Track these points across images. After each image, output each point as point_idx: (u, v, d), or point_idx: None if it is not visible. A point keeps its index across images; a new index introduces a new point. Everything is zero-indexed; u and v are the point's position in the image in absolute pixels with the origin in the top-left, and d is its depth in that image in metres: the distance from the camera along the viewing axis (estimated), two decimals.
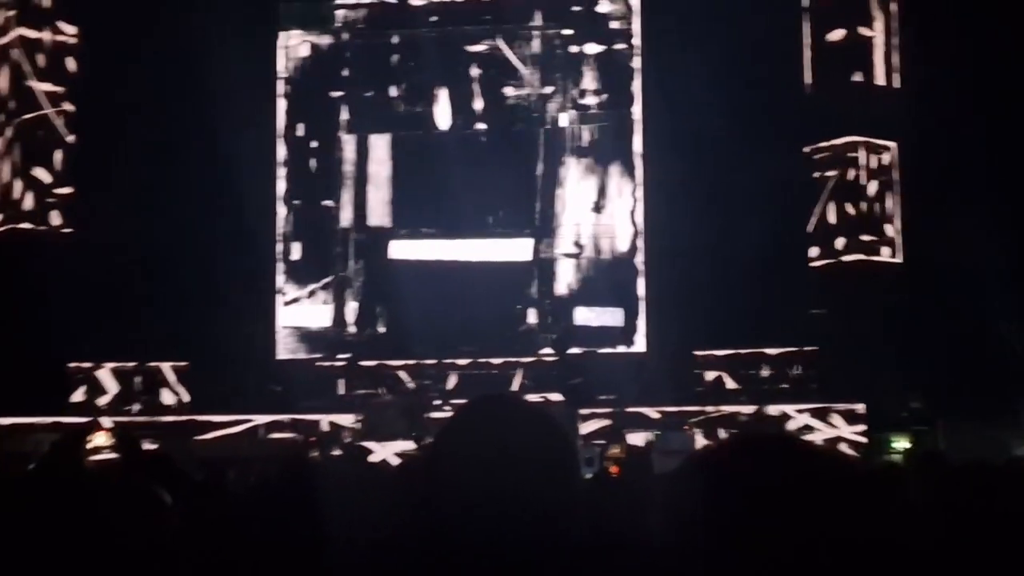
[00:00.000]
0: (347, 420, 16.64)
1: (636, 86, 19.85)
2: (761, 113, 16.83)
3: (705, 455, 1.61)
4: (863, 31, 17.97)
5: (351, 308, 20.05)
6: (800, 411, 16.04)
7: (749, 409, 16.41)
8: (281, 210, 20.20)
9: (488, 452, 1.85)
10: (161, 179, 17.79)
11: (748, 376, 17.59)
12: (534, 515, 1.80)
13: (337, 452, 15.67)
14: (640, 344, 19.37)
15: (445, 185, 19.24)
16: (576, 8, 20.11)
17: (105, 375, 17.91)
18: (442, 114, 20.21)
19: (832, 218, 18.11)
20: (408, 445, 15.45)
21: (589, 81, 20.08)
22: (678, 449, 14.42)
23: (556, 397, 16.71)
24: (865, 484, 1.50)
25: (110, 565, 2.60)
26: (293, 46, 20.55)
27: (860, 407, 15.99)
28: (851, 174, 17.97)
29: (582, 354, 18.49)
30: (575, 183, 20.02)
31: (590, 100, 20.09)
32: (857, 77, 17.94)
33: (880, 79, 17.94)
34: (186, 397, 17.95)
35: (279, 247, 20.09)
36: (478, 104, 20.20)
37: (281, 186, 20.25)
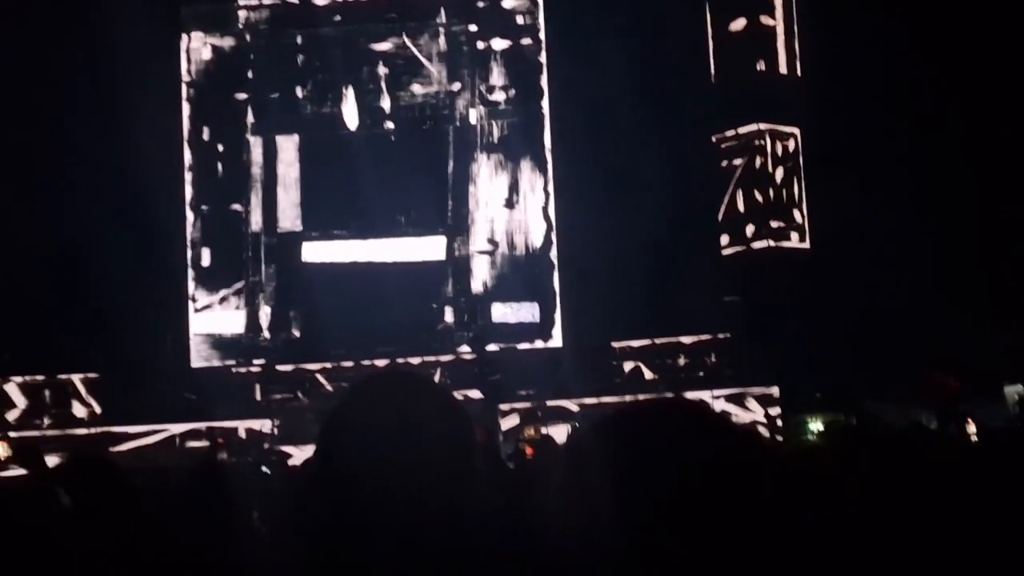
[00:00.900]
0: (264, 426, 16.44)
1: (544, 81, 19.91)
2: (668, 103, 17.01)
3: (614, 422, 1.58)
4: (765, 20, 18.25)
5: (264, 313, 19.82)
6: (716, 397, 16.22)
7: (668, 398, 16.55)
8: (189, 216, 19.89)
9: (383, 426, 1.83)
10: (66, 187, 17.42)
11: (665, 365, 17.78)
12: (430, 490, 1.78)
13: (250, 457, 15.52)
14: (557, 338, 19.44)
15: (356, 186, 19.11)
16: (481, 3, 20.11)
17: (12, 389, 17.47)
18: (350, 114, 20.06)
19: (741, 205, 18.36)
20: None
21: (497, 77, 20.09)
22: None
23: (476, 394, 16.70)
24: (774, 457, 1.49)
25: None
26: (196, 48, 20.24)
27: (774, 391, 16.24)
28: (758, 161, 18.23)
29: (500, 350, 18.50)
30: (487, 180, 20.02)
31: (499, 96, 20.10)
32: (760, 66, 18.21)
33: (783, 68, 18.23)
34: (98, 409, 17.59)
35: (189, 253, 19.79)
36: (386, 103, 20.09)
37: (188, 191, 19.94)
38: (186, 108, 20.04)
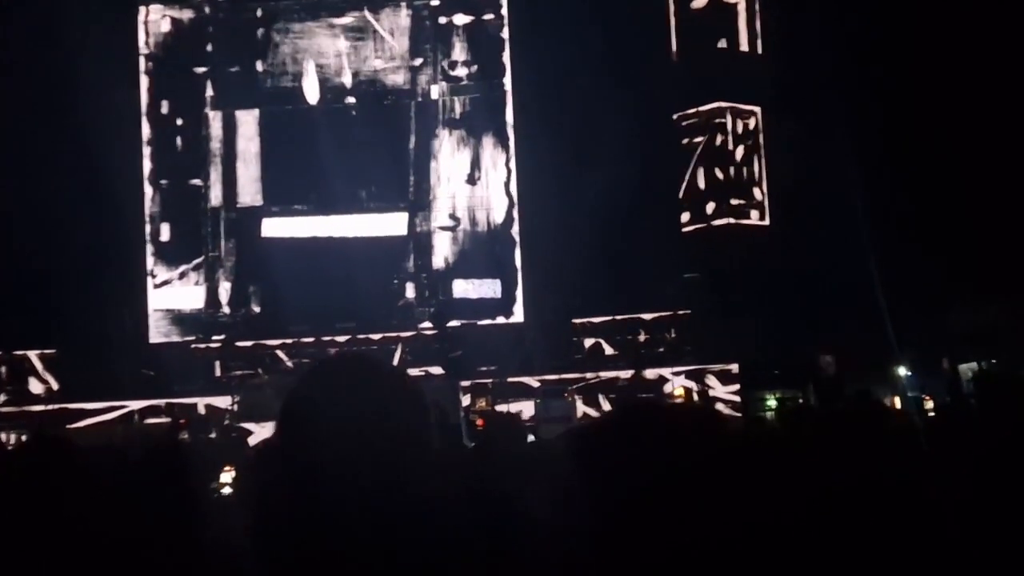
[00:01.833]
0: (224, 402, 16.36)
1: (506, 57, 19.86)
2: (629, 81, 17.00)
3: (586, 430, 1.61)
4: None
5: (224, 288, 19.71)
6: (676, 373, 16.34)
7: (627, 374, 16.66)
8: (148, 190, 19.71)
9: (340, 409, 1.83)
10: (22, 160, 17.17)
11: (625, 341, 17.87)
12: (387, 474, 1.79)
13: (212, 434, 15.46)
14: (519, 314, 19.48)
15: (316, 161, 19.01)
16: None
17: None
18: (310, 88, 19.92)
19: (701, 183, 18.43)
20: None
21: (459, 52, 20.01)
22: (559, 416, 14.60)
23: (437, 370, 16.70)
24: (738, 452, 1.51)
25: None
26: (154, 21, 20.00)
27: (734, 367, 16.36)
28: (719, 139, 18.30)
29: (461, 326, 18.49)
30: (448, 155, 19.97)
31: (461, 72, 20.02)
32: (722, 44, 18.25)
33: (744, 45, 18.28)
34: (55, 385, 17.44)
35: (147, 228, 19.61)
36: (347, 78, 19.97)
37: (147, 165, 19.74)
38: (144, 81, 19.83)
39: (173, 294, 19.61)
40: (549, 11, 18.23)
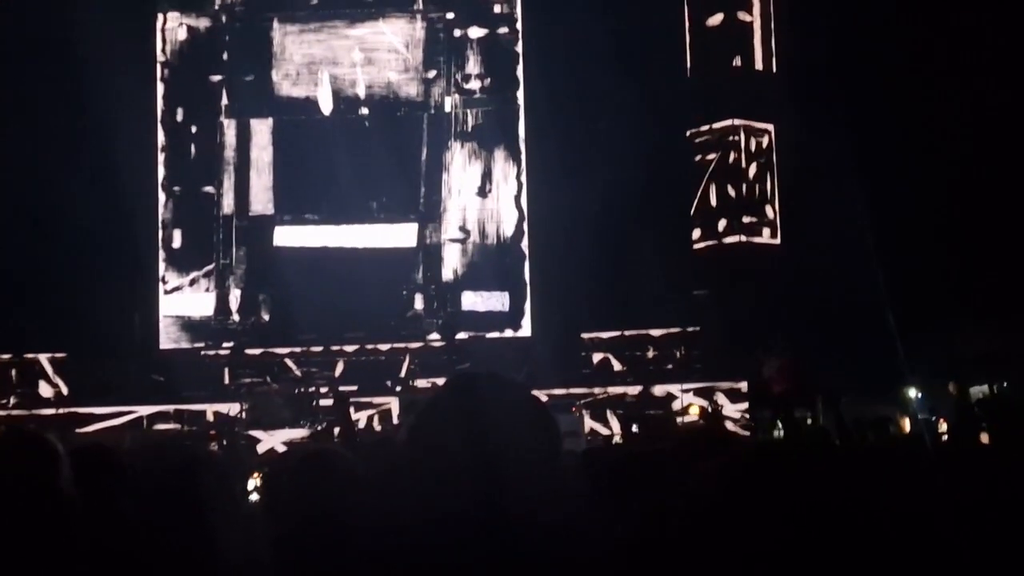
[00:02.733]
0: (232, 409, 16.38)
1: (520, 71, 19.91)
2: (643, 97, 17.03)
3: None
4: (742, 16, 18.30)
5: (234, 296, 19.75)
6: (685, 390, 16.33)
7: (635, 390, 16.65)
8: (161, 196, 19.77)
9: (468, 431, 1.84)
10: (38, 165, 17.24)
11: (634, 357, 17.84)
12: (516, 498, 1.79)
13: (224, 442, 15.46)
14: (527, 328, 19.49)
15: (328, 171, 19.08)
16: None
17: None
18: (324, 99, 19.99)
19: (713, 200, 18.43)
20: (296, 433, 15.31)
21: (473, 65, 20.07)
22: (566, 431, 14.58)
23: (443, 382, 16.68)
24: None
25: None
26: (171, 29, 20.09)
27: (743, 385, 16.35)
28: (731, 157, 18.30)
29: (469, 339, 18.50)
30: (460, 168, 20.01)
31: (474, 84, 20.07)
32: (736, 61, 18.28)
33: (759, 63, 18.30)
34: (65, 389, 17.46)
35: (160, 234, 19.67)
36: (361, 89, 20.03)
37: (161, 172, 19.81)
38: (160, 88, 19.91)
39: (183, 300, 19.65)
40: (564, 26, 18.29)
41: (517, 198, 19.90)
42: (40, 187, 17.22)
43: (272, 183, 19.93)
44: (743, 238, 18.10)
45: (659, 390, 16.46)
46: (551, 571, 1.78)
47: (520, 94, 19.89)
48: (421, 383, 16.71)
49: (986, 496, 3.17)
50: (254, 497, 4.10)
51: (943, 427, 11.52)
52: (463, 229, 19.93)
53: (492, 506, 1.78)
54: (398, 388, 17.24)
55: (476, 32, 20.03)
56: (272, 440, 15.07)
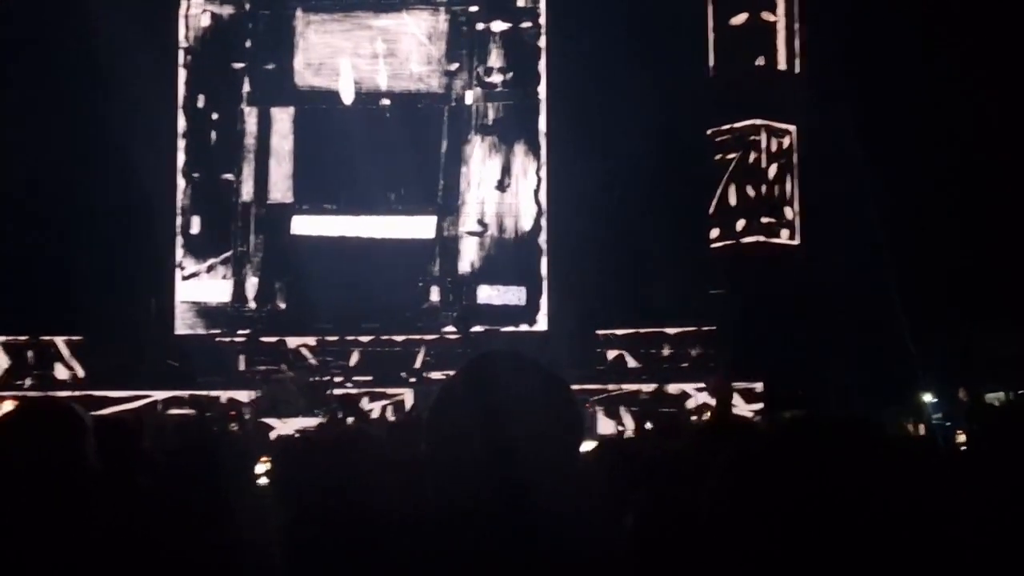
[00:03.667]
0: (246, 396, 16.43)
1: (542, 65, 19.89)
2: (665, 95, 16.99)
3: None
4: (766, 16, 18.23)
5: (251, 283, 19.79)
6: (699, 389, 16.29)
7: (650, 387, 16.63)
8: (180, 183, 19.82)
9: (483, 414, 1.81)
10: (58, 149, 17.29)
11: (649, 355, 17.82)
12: (532, 484, 1.77)
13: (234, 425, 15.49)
14: (542, 323, 19.49)
15: (348, 161, 19.08)
16: None
17: None
18: (346, 89, 20.00)
19: (733, 200, 18.37)
20: (309, 421, 15.33)
21: (495, 59, 20.05)
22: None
23: None
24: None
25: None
26: (195, 15, 20.12)
27: (758, 386, 16.31)
28: (752, 157, 18.23)
29: (485, 332, 18.50)
30: (479, 161, 20.01)
31: (495, 78, 20.06)
32: (759, 61, 18.21)
33: (782, 63, 18.23)
34: (80, 372, 17.54)
35: (178, 220, 19.72)
36: (382, 80, 20.04)
37: (181, 158, 19.85)
38: (182, 74, 19.94)
39: (200, 287, 19.70)
40: (587, 22, 18.27)
41: (536, 193, 19.89)
42: (60, 171, 17.29)
43: (291, 172, 19.96)
44: (762, 238, 18.03)
45: (674, 388, 16.43)
46: (565, 560, 1.76)
47: (542, 89, 19.87)
48: (436, 375, 16.73)
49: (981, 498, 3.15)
50: (263, 481, 4.11)
51: (961, 437, 11.42)
52: (481, 222, 19.93)
53: (507, 492, 1.77)
54: (412, 380, 17.26)
55: (499, 26, 20.02)
56: (285, 428, 15.09)
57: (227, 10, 20.14)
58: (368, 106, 19.91)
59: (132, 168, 17.50)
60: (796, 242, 18.18)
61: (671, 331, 17.80)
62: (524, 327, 19.38)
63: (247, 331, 19.01)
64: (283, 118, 20.04)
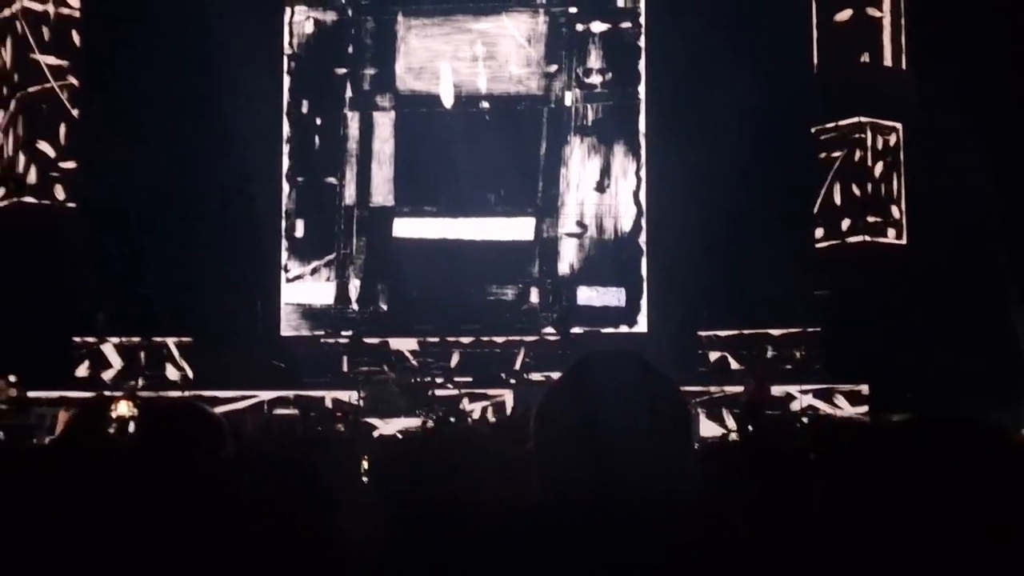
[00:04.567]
0: (351, 397, 16.65)
1: (642, 65, 19.80)
2: (768, 93, 16.78)
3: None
4: (872, 11, 17.88)
5: (354, 285, 20.06)
6: (804, 391, 16.06)
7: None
8: (285, 187, 20.18)
9: (594, 406, 1.82)
10: (165, 154, 17.75)
11: (752, 356, 17.61)
12: (646, 475, 1.77)
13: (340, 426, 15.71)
14: (643, 324, 19.40)
15: (448, 163, 19.23)
16: None
17: (109, 349, 17.91)
18: (446, 92, 20.16)
19: (838, 199, 18.06)
20: (411, 422, 15.48)
21: (594, 60, 20.02)
22: None
23: (558, 376, 16.68)
24: None
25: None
26: (299, 22, 20.48)
27: (864, 388, 16.01)
28: (857, 155, 17.90)
29: (584, 333, 18.47)
30: (579, 162, 20.00)
31: (595, 79, 20.03)
32: (865, 58, 17.87)
33: (888, 60, 17.87)
34: (190, 372, 17.97)
35: (283, 224, 20.08)
36: (482, 82, 20.16)
37: (285, 163, 20.22)
38: (287, 81, 20.32)
39: (305, 289, 20.04)
40: (687, 21, 18.13)
41: (636, 193, 19.81)
42: (169, 177, 17.74)
43: (393, 175, 20.19)
44: (867, 238, 17.69)
45: (777, 390, 16.21)
46: (672, 556, 1.76)
47: (642, 89, 19.78)
48: (536, 376, 16.75)
49: None
50: (366, 479, 4.17)
51: None
52: (580, 224, 19.92)
53: (614, 489, 1.77)
54: (512, 381, 17.31)
55: (599, 27, 19.98)
56: (388, 428, 15.27)
57: (330, 16, 20.46)
58: (468, 109, 20.04)
59: (239, 174, 17.90)
60: (903, 241, 17.80)
61: (775, 332, 17.57)
62: (624, 328, 19.31)
63: (350, 332, 19.26)
64: (384, 122, 20.27)
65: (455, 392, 16.86)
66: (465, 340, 18.88)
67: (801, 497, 1.62)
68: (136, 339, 17.97)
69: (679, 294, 18.07)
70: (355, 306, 19.95)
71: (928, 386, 14.75)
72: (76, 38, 18.10)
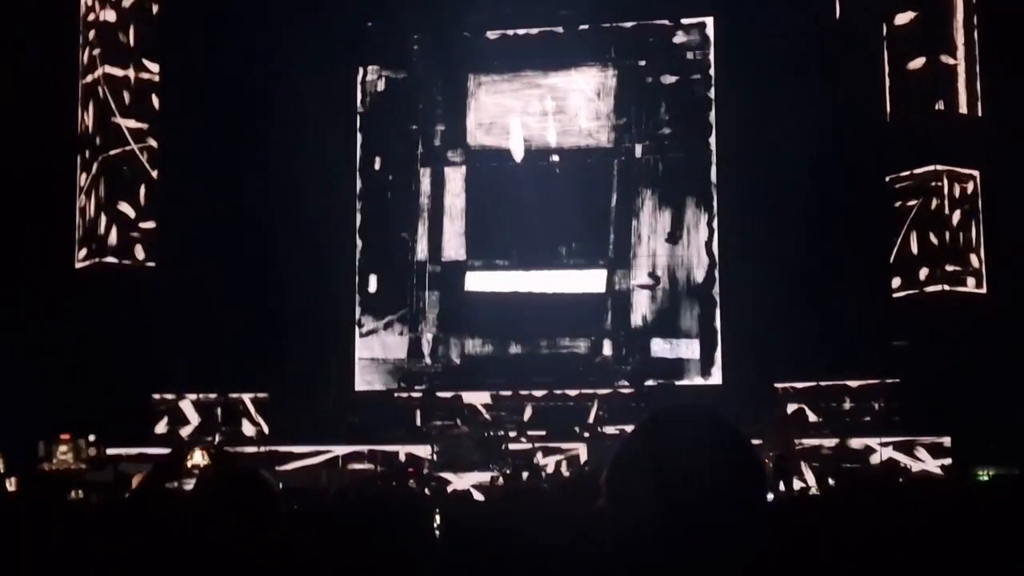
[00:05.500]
0: (424, 451, 16.66)
1: (712, 116, 19.76)
2: (841, 142, 16.66)
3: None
4: (945, 59, 17.71)
5: (427, 339, 20.14)
6: (884, 444, 15.74)
7: (832, 442, 16.14)
8: (358, 242, 20.38)
9: (668, 466, 1.80)
10: (242, 213, 18.07)
11: (830, 408, 17.33)
12: (718, 533, 1.75)
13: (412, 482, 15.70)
14: (717, 376, 19.20)
15: (519, 217, 19.30)
16: (651, 39, 20.10)
17: (187, 406, 18.15)
18: (516, 146, 20.28)
19: (914, 248, 17.80)
20: (484, 476, 15.44)
21: (664, 112, 20.03)
22: None
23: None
24: None
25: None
26: (371, 81, 20.81)
27: (946, 440, 15.67)
28: (934, 203, 17.65)
29: (658, 386, 18.34)
30: (650, 214, 19.96)
31: (665, 131, 20.03)
32: (939, 105, 17.67)
33: (963, 107, 17.64)
34: (266, 428, 18.13)
35: (356, 279, 20.26)
36: (552, 136, 20.26)
37: (358, 218, 20.44)
38: (359, 138, 20.60)
39: (378, 343, 20.16)
40: (757, 71, 18.08)
41: (708, 244, 19.70)
42: (244, 235, 18.02)
43: (464, 229, 20.31)
44: (946, 287, 17.39)
45: (856, 443, 15.91)
46: None
47: (712, 140, 19.73)
48: (609, 429, 16.64)
49: None
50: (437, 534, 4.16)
51: None
52: (652, 275, 19.83)
53: (689, 549, 1.74)
54: (586, 434, 17.21)
55: (668, 79, 20.01)
56: (461, 483, 15.24)
57: (401, 75, 20.75)
58: (538, 162, 20.14)
59: (313, 231, 18.13)
60: (983, 291, 17.46)
61: (853, 384, 17.28)
62: (699, 380, 19.14)
63: (423, 387, 19.32)
64: (455, 177, 20.45)
65: (528, 446, 16.79)
66: (538, 393, 18.84)
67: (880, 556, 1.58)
68: (213, 395, 18.19)
69: (754, 345, 17.86)
70: (428, 360, 20.03)
71: (1012, 437, 14.40)
72: (155, 101, 18.54)
